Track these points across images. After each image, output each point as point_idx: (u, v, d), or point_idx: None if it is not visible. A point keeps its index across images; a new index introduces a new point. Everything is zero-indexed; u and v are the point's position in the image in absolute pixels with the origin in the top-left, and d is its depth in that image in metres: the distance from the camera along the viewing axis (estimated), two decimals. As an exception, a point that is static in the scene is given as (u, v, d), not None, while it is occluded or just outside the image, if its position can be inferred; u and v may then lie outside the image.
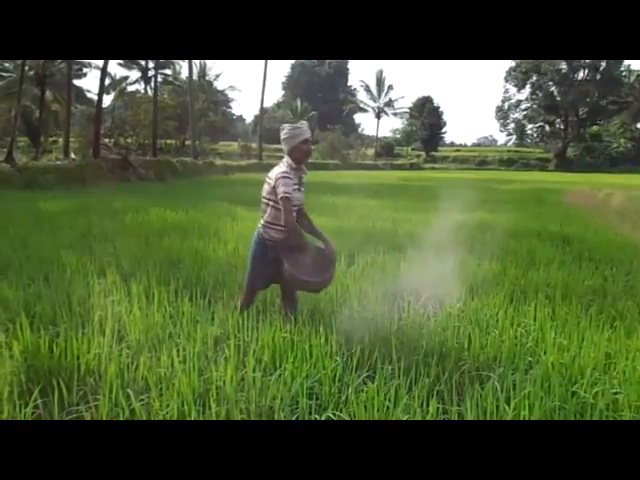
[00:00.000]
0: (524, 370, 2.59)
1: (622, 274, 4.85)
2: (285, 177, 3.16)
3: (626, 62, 58.29)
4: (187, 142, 35.44)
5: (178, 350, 2.81)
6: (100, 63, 24.38)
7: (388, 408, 2.23)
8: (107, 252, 5.43)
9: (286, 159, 3.26)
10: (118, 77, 44.25)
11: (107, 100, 40.77)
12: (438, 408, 2.25)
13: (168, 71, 44.36)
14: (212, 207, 9.99)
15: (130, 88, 43.95)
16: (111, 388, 2.45)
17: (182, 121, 36.54)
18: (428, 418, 2.16)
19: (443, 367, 2.62)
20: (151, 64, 42.26)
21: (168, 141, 37.29)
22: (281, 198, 3.14)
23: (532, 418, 2.15)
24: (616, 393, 2.38)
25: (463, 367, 2.69)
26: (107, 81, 32.42)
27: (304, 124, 3.31)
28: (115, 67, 60.94)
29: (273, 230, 3.31)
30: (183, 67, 44.60)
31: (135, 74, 43.61)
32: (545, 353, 2.86)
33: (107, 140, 29.08)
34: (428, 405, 2.23)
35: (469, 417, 2.18)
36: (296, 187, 3.25)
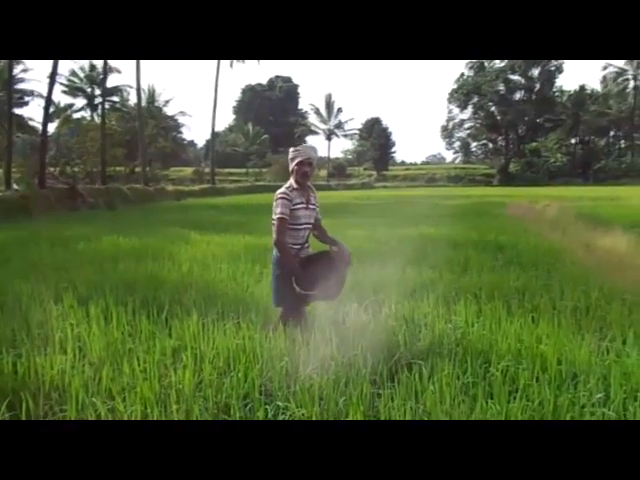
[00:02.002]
0: (448, 357, 2.99)
1: (544, 274, 5.42)
2: (282, 198, 3.35)
3: (558, 83, 62.58)
4: (137, 169, 35.03)
5: (139, 361, 3.02)
6: (44, 91, 24.02)
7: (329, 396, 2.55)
8: (62, 279, 5.52)
9: (290, 180, 3.45)
10: (62, 104, 43.49)
11: (51, 128, 39.91)
12: (373, 392, 2.60)
13: (115, 98, 44.01)
14: (165, 232, 10.10)
15: (75, 115, 43.27)
16: (77, 398, 2.65)
17: (131, 148, 36.23)
18: (362, 399, 2.50)
19: (378, 359, 2.96)
20: (97, 91, 41.82)
21: (117, 168, 36.80)
22: (276, 218, 3.35)
23: (450, 392, 2.54)
24: (519, 368, 2.83)
25: (397, 358, 3.05)
26: (51, 109, 31.78)
27: (305, 147, 3.47)
28: (59, 95, 59.47)
29: None
30: (131, 94, 44.40)
31: (81, 101, 43.03)
32: (468, 342, 3.28)
33: (52, 169, 28.43)
34: (363, 391, 2.58)
35: (398, 397, 2.53)
36: (301, 206, 3.38)
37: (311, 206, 3.47)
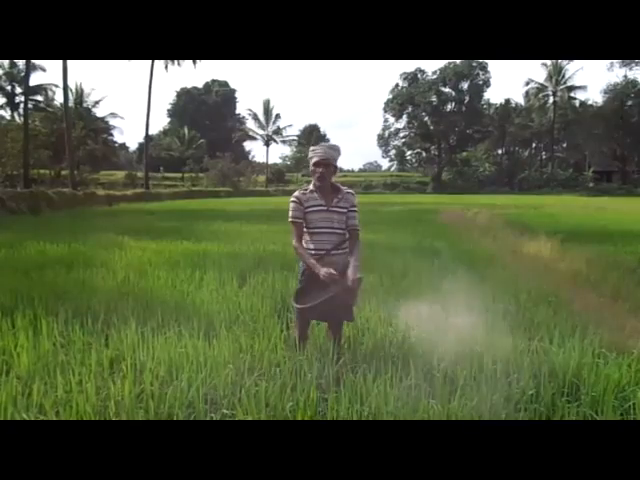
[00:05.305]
0: (390, 359, 3.07)
1: (477, 278, 5.68)
2: (291, 201, 3.20)
3: (486, 96, 66.11)
4: (64, 172, 33.21)
5: (73, 373, 2.87)
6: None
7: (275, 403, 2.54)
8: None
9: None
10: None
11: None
12: (319, 397, 2.62)
13: (39, 97, 41.71)
14: (97, 238, 9.63)
15: (-7, 114, 40.64)
16: (5, 414, 2.47)
17: (57, 150, 34.31)
18: (309, 404, 2.52)
19: (324, 363, 2.99)
20: (19, 89, 39.46)
21: (42, 171, 34.72)
22: (289, 222, 3.23)
23: (392, 393, 2.61)
24: (457, 368, 2.97)
25: (341, 362, 3.09)
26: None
27: (323, 146, 3.20)
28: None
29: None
30: (57, 93, 42.24)
31: (-1, 100, 40.45)
32: (409, 345, 3.39)
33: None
34: (309, 396, 2.59)
35: (344, 400, 2.57)
36: (319, 208, 3.15)
37: (336, 209, 3.18)
